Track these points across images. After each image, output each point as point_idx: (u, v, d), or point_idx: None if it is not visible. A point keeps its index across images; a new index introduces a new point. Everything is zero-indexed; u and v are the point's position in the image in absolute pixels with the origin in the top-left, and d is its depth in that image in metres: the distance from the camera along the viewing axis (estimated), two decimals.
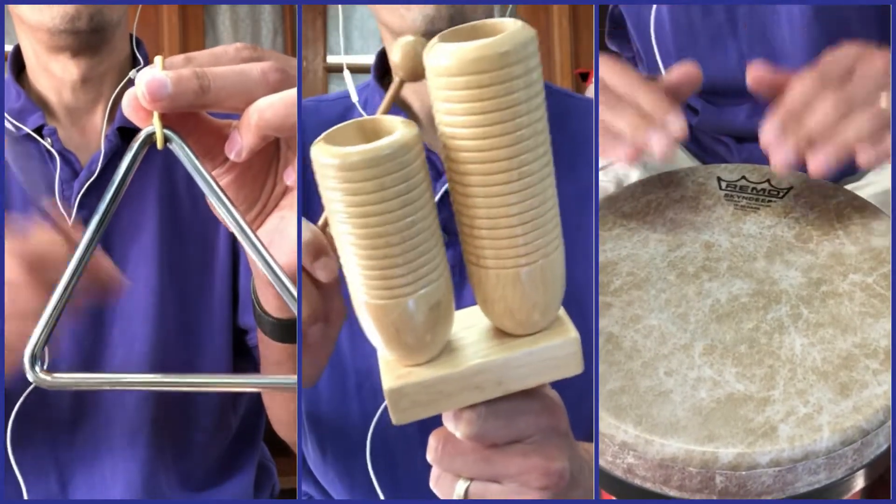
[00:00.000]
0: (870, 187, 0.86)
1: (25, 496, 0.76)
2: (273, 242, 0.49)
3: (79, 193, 0.79)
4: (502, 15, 0.86)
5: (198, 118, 0.45)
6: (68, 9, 0.75)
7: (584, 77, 2.25)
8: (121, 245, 0.81)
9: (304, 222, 0.47)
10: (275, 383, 0.49)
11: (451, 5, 0.67)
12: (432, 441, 0.47)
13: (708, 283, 0.60)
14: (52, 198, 0.79)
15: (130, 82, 0.83)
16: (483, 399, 0.44)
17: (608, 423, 0.52)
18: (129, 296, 0.80)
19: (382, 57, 0.82)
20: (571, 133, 0.76)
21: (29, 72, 0.82)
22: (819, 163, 0.59)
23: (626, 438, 0.51)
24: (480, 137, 0.38)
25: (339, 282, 0.46)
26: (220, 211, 0.44)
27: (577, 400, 0.53)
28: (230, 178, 0.48)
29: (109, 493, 0.81)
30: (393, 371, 0.44)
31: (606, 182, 0.89)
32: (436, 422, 0.48)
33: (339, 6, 1.30)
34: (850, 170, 0.89)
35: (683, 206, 0.67)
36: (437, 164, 0.73)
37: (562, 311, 0.45)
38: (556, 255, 0.42)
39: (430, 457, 0.47)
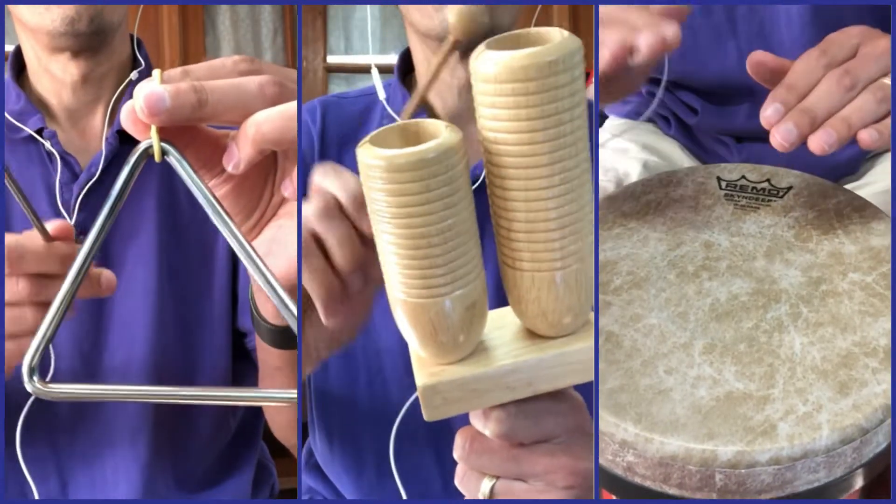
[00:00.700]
0: (869, 187, 0.86)
1: (36, 496, 0.76)
2: (271, 252, 0.49)
3: (78, 196, 0.79)
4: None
5: (195, 129, 0.46)
6: (68, 10, 0.75)
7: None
8: (120, 248, 0.81)
9: (343, 180, 0.47)
10: (274, 398, 0.49)
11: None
12: (459, 439, 0.48)
13: (708, 282, 0.60)
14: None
15: (131, 84, 0.83)
16: (513, 398, 0.45)
17: (608, 422, 0.52)
18: (129, 298, 0.81)
19: (406, 57, 0.82)
20: None
21: (29, 73, 0.82)
22: (820, 140, 0.57)
23: (626, 437, 0.51)
24: (524, 143, 0.39)
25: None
26: (216, 223, 0.44)
27: None
28: (227, 189, 0.48)
29: (110, 494, 0.81)
30: (426, 368, 0.45)
31: (606, 182, 0.89)
32: (444, 422, 0.48)
33: (368, 7, 1.31)
34: (849, 166, 0.89)
35: (683, 205, 0.67)
36: None
37: (591, 315, 0.46)
38: (590, 260, 0.43)
39: (456, 454, 0.48)
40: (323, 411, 0.82)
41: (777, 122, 0.58)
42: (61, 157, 0.80)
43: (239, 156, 0.44)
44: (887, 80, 0.59)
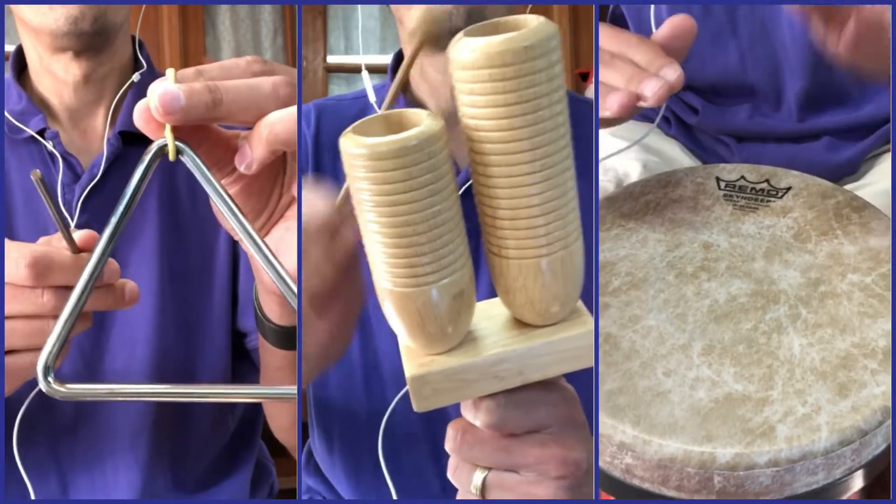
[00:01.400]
0: (869, 187, 0.86)
1: (32, 496, 0.76)
2: (279, 252, 0.49)
3: (80, 197, 0.79)
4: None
5: (207, 129, 0.46)
6: (72, 10, 0.75)
7: (584, 77, 2.25)
8: (122, 249, 0.81)
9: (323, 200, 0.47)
10: (275, 394, 0.49)
11: (468, 5, 0.68)
12: (450, 431, 0.48)
13: (706, 283, 0.60)
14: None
15: (133, 85, 0.83)
16: (503, 388, 0.45)
17: (606, 424, 0.52)
18: None
19: (400, 58, 0.82)
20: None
21: (31, 73, 0.82)
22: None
23: (625, 439, 0.51)
24: (503, 129, 0.39)
25: (358, 260, 0.46)
26: (230, 221, 0.44)
27: None
28: (237, 189, 0.48)
29: (110, 494, 0.81)
30: (415, 359, 0.45)
31: (606, 182, 0.89)
32: (439, 418, 0.48)
33: (359, 6, 1.31)
34: (849, 167, 0.89)
35: (682, 206, 0.67)
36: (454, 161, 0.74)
37: (580, 303, 0.46)
38: (576, 247, 0.43)
39: (448, 446, 0.48)
40: (321, 414, 0.82)
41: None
42: (63, 158, 0.80)
43: (252, 156, 0.44)
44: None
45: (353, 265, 0.47)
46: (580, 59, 2.40)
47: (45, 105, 0.82)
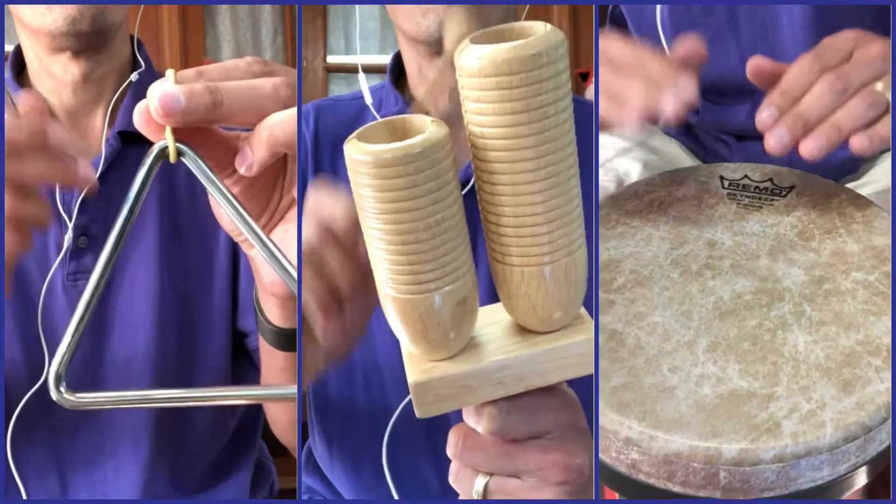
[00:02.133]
0: (871, 186, 0.86)
1: (24, 496, 0.76)
2: None
3: (79, 198, 0.79)
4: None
5: (207, 131, 0.45)
6: (70, 10, 0.75)
7: (584, 77, 2.25)
8: (122, 249, 0.81)
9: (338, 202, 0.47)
10: (275, 394, 0.49)
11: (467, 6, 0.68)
12: (452, 436, 0.48)
13: (711, 280, 0.60)
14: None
15: (131, 85, 0.83)
16: (505, 395, 0.45)
17: (612, 419, 0.52)
18: (130, 299, 0.80)
19: (398, 59, 0.82)
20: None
21: (30, 73, 0.82)
22: (810, 146, 0.58)
23: (631, 434, 0.51)
24: (509, 137, 0.39)
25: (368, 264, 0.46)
26: (235, 221, 0.44)
27: (580, 397, 0.53)
28: (238, 190, 0.48)
29: (110, 494, 0.81)
30: (417, 365, 0.45)
31: (606, 181, 0.89)
32: (441, 423, 0.48)
33: (357, 6, 1.31)
34: (850, 166, 0.90)
35: (686, 204, 0.68)
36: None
37: (582, 310, 0.46)
38: (580, 254, 0.43)
39: (450, 452, 0.48)
40: (322, 415, 0.82)
41: (771, 126, 0.59)
42: None
43: (252, 158, 0.44)
44: (879, 85, 0.59)
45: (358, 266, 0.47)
46: (580, 59, 2.40)
47: None
